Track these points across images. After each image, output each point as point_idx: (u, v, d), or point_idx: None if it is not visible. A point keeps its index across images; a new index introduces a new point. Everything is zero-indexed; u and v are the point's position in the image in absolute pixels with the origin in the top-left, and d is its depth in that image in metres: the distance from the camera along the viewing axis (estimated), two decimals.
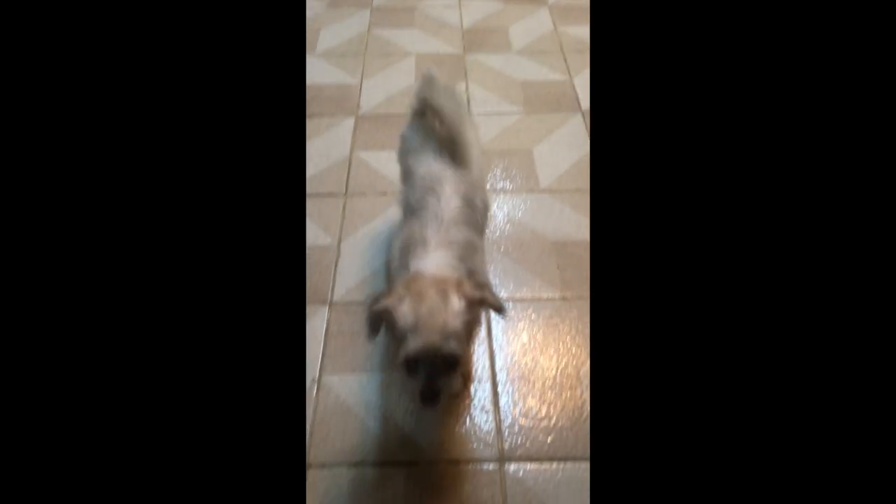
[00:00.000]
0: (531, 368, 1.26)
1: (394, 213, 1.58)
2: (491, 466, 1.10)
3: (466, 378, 1.22)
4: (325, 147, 1.77)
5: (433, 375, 0.88)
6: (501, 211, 1.60)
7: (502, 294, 1.40)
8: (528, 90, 2.01)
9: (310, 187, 1.65)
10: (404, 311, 0.89)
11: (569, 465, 1.11)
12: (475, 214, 1.09)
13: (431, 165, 1.12)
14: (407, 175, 1.18)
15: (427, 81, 1.22)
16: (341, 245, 1.50)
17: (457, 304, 0.88)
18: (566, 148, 1.79)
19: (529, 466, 1.10)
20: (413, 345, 0.87)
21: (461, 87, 2.01)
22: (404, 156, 1.22)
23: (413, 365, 0.90)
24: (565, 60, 2.14)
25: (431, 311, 0.87)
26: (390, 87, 2.00)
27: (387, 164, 1.72)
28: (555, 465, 1.11)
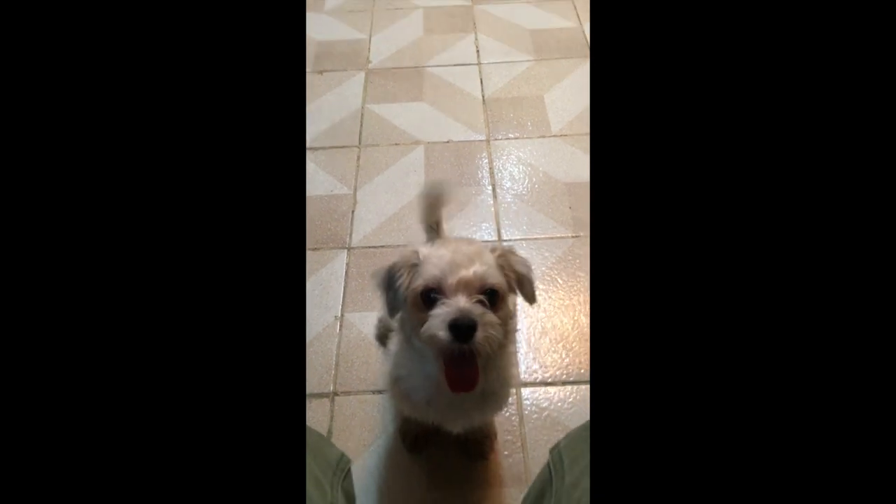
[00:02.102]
0: (545, 300, 1.30)
1: (407, 161, 1.62)
2: None
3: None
4: (337, 101, 1.80)
5: (463, 311, 0.65)
6: (514, 156, 1.62)
7: (516, 235, 1.43)
8: (537, 38, 1.99)
9: (325, 140, 1.68)
10: (425, 250, 0.73)
11: (583, 387, 1.16)
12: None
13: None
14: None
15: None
16: (357, 193, 1.54)
17: (490, 256, 0.73)
18: (577, 93, 1.79)
19: (544, 389, 1.15)
20: (434, 267, 0.69)
21: (470, 38, 2.01)
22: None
23: (429, 298, 0.69)
24: (574, 7, 2.11)
25: (459, 247, 0.72)
26: (399, 41, 2.01)
27: (398, 115, 1.74)
28: (569, 388, 1.15)
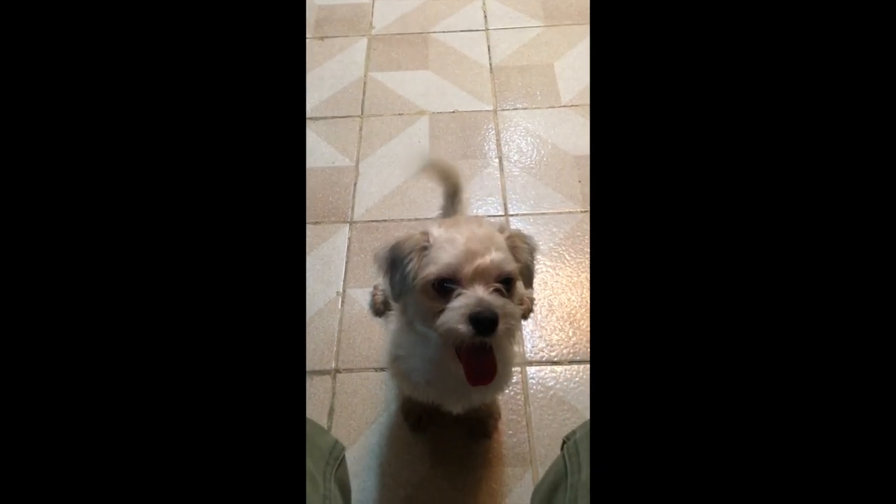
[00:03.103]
0: (552, 277, 1.26)
1: (411, 132, 1.56)
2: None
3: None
4: (339, 69, 1.73)
5: (481, 302, 0.62)
6: (521, 129, 1.56)
7: (523, 210, 1.39)
8: (548, 2, 1.90)
9: (325, 110, 1.63)
10: (435, 233, 0.69)
11: (590, 367, 1.13)
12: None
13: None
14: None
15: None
16: (360, 165, 1.49)
17: (502, 238, 0.69)
18: (588, 61, 1.71)
19: (550, 368, 1.13)
20: (448, 255, 0.64)
21: (478, 2, 1.92)
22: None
23: (443, 287, 0.64)
24: None
25: (472, 231, 0.67)
26: (404, 5, 1.92)
27: (402, 84, 1.68)
28: (576, 367, 1.13)
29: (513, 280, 0.68)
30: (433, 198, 1.41)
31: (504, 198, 1.41)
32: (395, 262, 0.69)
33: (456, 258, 0.65)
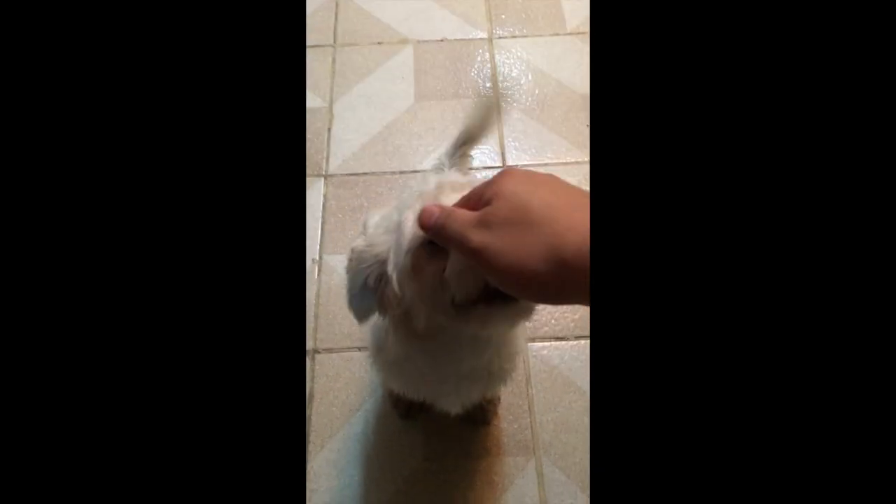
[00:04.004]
0: None
1: (393, 66, 1.34)
2: None
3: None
4: None
5: None
6: (520, 61, 1.35)
7: (524, 159, 1.22)
8: None
9: None
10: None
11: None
12: None
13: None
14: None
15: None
16: (334, 106, 1.29)
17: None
18: None
19: (553, 345, 1.02)
20: (417, 202, 0.50)
21: None
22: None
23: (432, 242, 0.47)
24: None
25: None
26: None
27: (380, 5, 1.43)
28: (582, 342, 1.02)
29: None
30: (421, 145, 1.23)
31: (501, 146, 1.23)
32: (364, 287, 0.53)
33: (428, 195, 0.49)
